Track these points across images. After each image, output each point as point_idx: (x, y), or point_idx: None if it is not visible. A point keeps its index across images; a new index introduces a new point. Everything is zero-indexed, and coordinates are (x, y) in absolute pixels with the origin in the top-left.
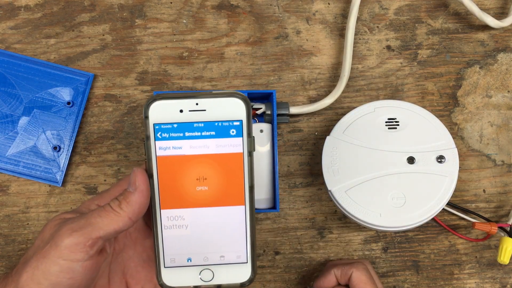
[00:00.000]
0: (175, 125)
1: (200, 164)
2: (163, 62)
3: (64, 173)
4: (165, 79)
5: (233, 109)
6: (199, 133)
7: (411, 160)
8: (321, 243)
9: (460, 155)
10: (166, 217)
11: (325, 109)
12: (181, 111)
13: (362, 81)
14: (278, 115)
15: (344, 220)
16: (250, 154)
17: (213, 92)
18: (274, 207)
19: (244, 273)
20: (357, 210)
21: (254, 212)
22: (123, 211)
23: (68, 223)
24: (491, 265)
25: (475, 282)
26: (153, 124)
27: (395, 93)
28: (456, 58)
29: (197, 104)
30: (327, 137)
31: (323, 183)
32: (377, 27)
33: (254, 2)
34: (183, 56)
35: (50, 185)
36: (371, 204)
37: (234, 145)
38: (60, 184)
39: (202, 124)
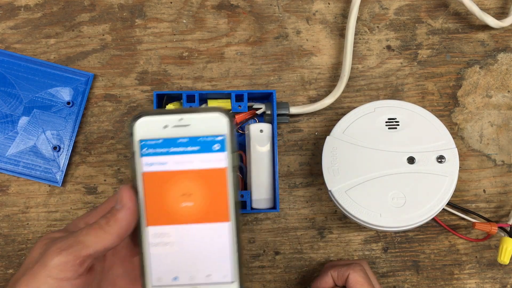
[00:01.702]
0: (159, 141)
1: (185, 179)
2: (163, 62)
3: (64, 173)
4: (165, 79)
5: (216, 124)
6: (183, 149)
7: (411, 160)
8: (321, 243)
9: (460, 155)
10: (153, 234)
11: (325, 109)
12: (165, 126)
13: (362, 81)
14: (278, 115)
15: (344, 220)
16: (235, 169)
17: (197, 108)
18: (274, 207)
19: None
20: (357, 210)
21: (241, 229)
22: (111, 228)
23: (56, 242)
24: (491, 265)
25: (475, 282)
26: (139, 140)
27: (395, 93)
28: (456, 58)
29: (181, 119)
30: (327, 137)
31: (323, 183)
32: (377, 27)
33: (254, 2)
34: (183, 56)
35: (50, 185)
36: (371, 204)
37: (218, 160)
38: (60, 184)
39: (186, 140)
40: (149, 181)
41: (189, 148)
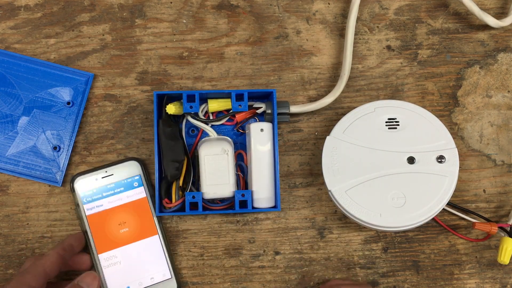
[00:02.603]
0: (94, 190)
1: (119, 212)
2: (163, 62)
3: (64, 173)
4: (165, 79)
5: (132, 168)
6: (112, 191)
7: (411, 160)
8: (321, 243)
9: (460, 155)
10: (103, 258)
11: (325, 109)
12: (96, 179)
13: (362, 81)
14: (279, 114)
15: (344, 220)
16: (152, 197)
17: (117, 160)
18: (275, 206)
19: (171, 287)
20: (357, 210)
21: (166, 237)
22: None
23: None
24: (491, 265)
25: (475, 282)
26: (79, 193)
27: (395, 93)
28: (456, 58)
29: (106, 172)
30: (327, 137)
31: (323, 183)
32: (377, 27)
33: (254, 2)
34: (183, 56)
35: (50, 185)
36: (371, 204)
37: (139, 193)
38: (60, 184)
39: (113, 185)
40: (93, 221)
41: (117, 190)
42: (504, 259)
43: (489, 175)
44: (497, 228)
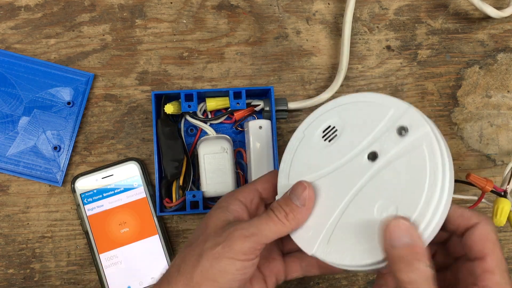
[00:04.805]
0: (94, 191)
1: (119, 213)
2: (163, 62)
3: (64, 173)
4: (165, 79)
5: (131, 169)
6: (112, 192)
7: (372, 156)
8: None
9: (460, 155)
10: (104, 258)
11: None
12: (96, 180)
13: (362, 81)
14: (277, 111)
15: None
16: (152, 196)
17: (117, 160)
18: None
19: None
20: (357, 253)
21: (167, 237)
22: (288, 223)
23: (239, 228)
24: None
25: None
26: (80, 194)
27: (395, 93)
28: (456, 58)
29: (105, 172)
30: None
31: None
32: (377, 27)
33: (254, 2)
34: (183, 56)
35: (50, 185)
36: (363, 236)
37: (139, 193)
38: (60, 184)
39: (113, 185)
40: (93, 221)
41: (116, 190)
42: (500, 218)
43: (489, 175)
44: (492, 186)
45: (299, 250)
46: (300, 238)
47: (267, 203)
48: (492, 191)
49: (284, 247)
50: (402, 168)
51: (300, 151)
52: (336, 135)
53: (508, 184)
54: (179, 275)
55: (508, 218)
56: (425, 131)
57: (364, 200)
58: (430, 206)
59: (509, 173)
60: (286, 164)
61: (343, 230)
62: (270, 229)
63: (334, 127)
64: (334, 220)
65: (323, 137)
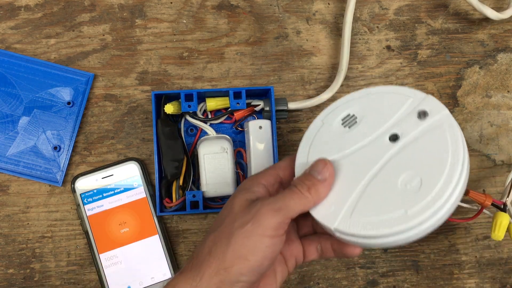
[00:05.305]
0: (95, 191)
1: (119, 213)
2: (163, 62)
3: (64, 173)
4: (165, 79)
5: (131, 169)
6: (112, 192)
7: (394, 137)
8: None
9: None
10: (104, 258)
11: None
12: (96, 180)
13: (362, 81)
14: (277, 111)
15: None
16: (152, 196)
17: (117, 160)
18: None
19: None
20: (379, 225)
21: (167, 237)
22: (311, 196)
23: (266, 204)
24: (491, 265)
25: (475, 282)
26: (80, 194)
27: None
28: (456, 58)
29: (105, 172)
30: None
31: None
32: (377, 27)
33: (254, 2)
34: (183, 56)
35: (50, 185)
36: (387, 207)
37: (139, 193)
38: (60, 184)
39: (113, 185)
40: (93, 221)
41: (116, 190)
42: (498, 233)
43: (489, 175)
44: (491, 201)
45: (314, 234)
46: (321, 214)
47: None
48: (492, 204)
49: (300, 231)
50: (425, 145)
51: (319, 137)
52: (355, 122)
53: (508, 196)
54: (211, 258)
55: (508, 230)
56: (445, 113)
57: (388, 175)
58: (454, 175)
59: (509, 185)
60: (305, 148)
61: (367, 202)
62: (294, 203)
63: (353, 115)
64: (357, 194)
65: (342, 124)
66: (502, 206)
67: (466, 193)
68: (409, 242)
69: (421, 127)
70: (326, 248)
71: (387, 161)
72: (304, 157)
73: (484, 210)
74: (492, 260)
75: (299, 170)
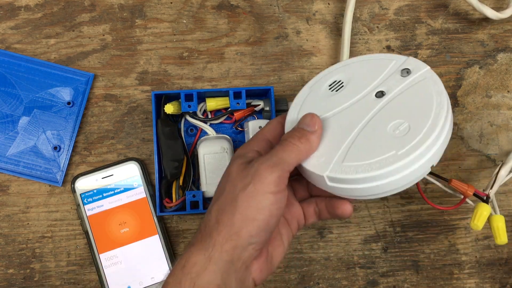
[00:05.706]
0: (95, 191)
1: (119, 213)
2: (163, 62)
3: (64, 173)
4: (165, 79)
5: (131, 169)
6: (112, 192)
7: (380, 94)
8: (321, 243)
9: (460, 155)
10: (104, 258)
11: None
12: (96, 180)
13: None
14: (277, 111)
15: (344, 220)
16: (152, 196)
17: (117, 161)
18: None
19: None
20: (369, 167)
21: (167, 237)
22: (303, 145)
23: (262, 162)
24: (491, 265)
25: (475, 282)
26: (80, 194)
27: None
28: (456, 58)
29: (105, 172)
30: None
31: None
32: (377, 27)
33: (254, 2)
34: (183, 56)
35: (50, 185)
36: (378, 150)
37: (139, 193)
38: (60, 184)
39: (113, 185)
40: (93, 221)
41: (116, 190)
42: (477, 223)
43: (489, 175)
44: (473, 191)
45: (311, 197)
46: (313, 164)
47: None
48: (474, 195)
49: (297, 195)
50: (410, 96)
51: (307, 101)
52: (342, 86)
53: (491, 188)
54: (220, 226)
55: (489, 221)
56: (427, 69)
57: (376, 125)
58: (440, 118)
59: (494, 178)
60: (294, 110)
61: (357, 150)
62: (288, 154)
63: (340, 81)
64: (348, 144)
65: (329, 89)
66: (484, 198)
67: (449, 182)
68: (400, 189)
69: (406, 82)
70: (322, 210)
71: (376, 113)
72: (294, 116)
73: (467, 200)
74: (492, 260)
75: (289, 126)
